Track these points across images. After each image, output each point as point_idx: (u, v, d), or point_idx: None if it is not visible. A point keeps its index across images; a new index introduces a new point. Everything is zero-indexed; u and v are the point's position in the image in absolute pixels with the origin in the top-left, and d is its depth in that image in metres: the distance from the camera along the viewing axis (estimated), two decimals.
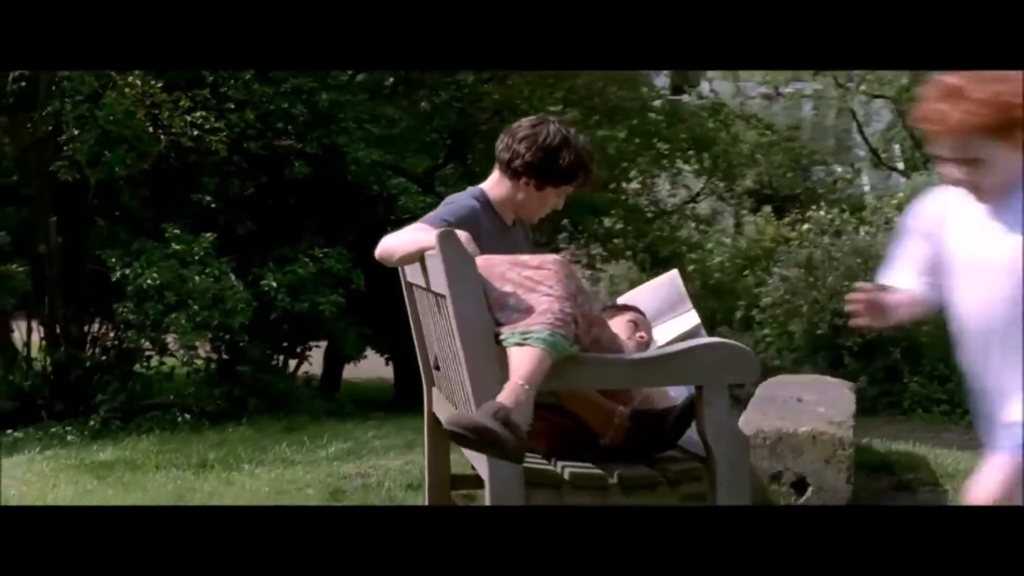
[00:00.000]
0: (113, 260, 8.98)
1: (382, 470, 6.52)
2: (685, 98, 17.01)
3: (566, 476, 3.59)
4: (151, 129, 8.62)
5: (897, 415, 15.40)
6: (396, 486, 6.15)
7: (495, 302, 3.55)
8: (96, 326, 10.34)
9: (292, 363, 11.29)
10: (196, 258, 8.88)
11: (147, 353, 9.97)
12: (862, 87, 18.98)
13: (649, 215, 16.47)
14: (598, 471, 3.62)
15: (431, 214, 4.45)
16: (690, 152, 16.28)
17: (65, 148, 8.53)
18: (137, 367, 9.90)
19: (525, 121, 4.49)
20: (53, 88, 8.53)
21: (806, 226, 17.60)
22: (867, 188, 22.50)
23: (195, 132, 8.60)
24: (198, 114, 8.63)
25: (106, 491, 6.50)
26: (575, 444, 3.84)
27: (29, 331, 10.46)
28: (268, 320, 9.51)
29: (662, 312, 4.84)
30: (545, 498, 3.54)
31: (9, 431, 9.36)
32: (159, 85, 8.63)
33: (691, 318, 4.74)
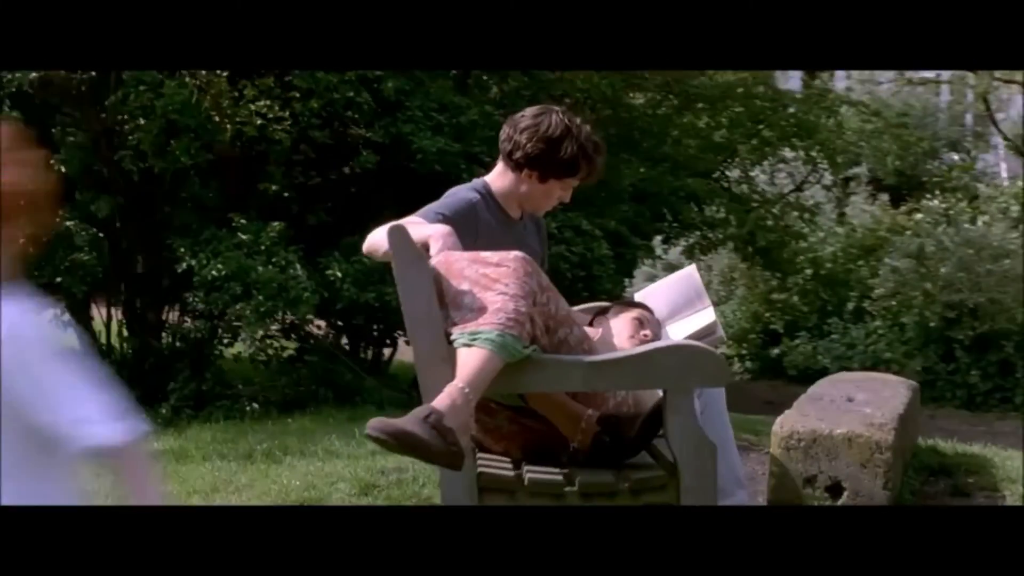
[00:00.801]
0: (182, 250, 9.00)
1: (420, 464, 6.39)
2: (791, 84, 16.65)
3: (525, 482, 3.45)
4: (217, 119, 8.61)
5: (1009, 411, 14.93)
6: (431, 482, 6.03)
7: (451, 300, 3.42)
8: (175, 314, 10.39)
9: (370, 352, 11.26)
10: (263, 248, 8.86)
11: (219, 342, 9.99)
12: (996, 73, 18.43)
13: (753, 204, 16.14)
14: (558, 477, 3.48)
15: (427, 207, 4.35)
16: (794, 139, 15.92)
17: (130, 138, 8.56)
18: (209, 356, 9.93)
19: (528, 111, 4.37)
20: (115, 78, 8.53)
21: (919, 215, 17.15)
22: (1005, 177, 21.93)
23: (259, 121, 8.57)
24: (262, 103, 8.61)
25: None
26: (548, 448, 3.70)
27: (109, 318, 10.57)
28: (335, 310, 9.48)
29: (679, 309, 4.69)
30: (500, 504, 3.41)
31: None
32: (224, 75, 8.62)
33: (707, 315, 4.58)
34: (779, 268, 16.34)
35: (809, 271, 18.12)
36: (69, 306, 10.14)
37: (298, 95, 8.86)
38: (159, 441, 7.96)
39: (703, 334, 4.51)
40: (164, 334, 10.20)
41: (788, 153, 16.66)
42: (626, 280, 23.70)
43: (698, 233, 15.89)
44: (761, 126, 15.42)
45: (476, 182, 4.47)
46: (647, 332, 4.28)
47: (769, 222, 15.88)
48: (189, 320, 10.03)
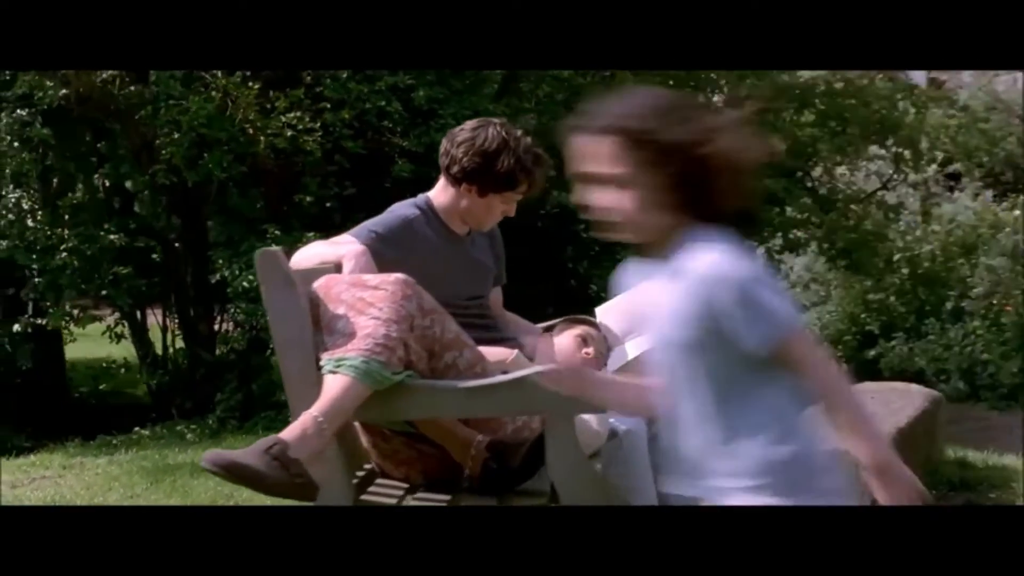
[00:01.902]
0: (220, 261, 9.04)
1: None
2: (878, 79, 16.18)
3: None
4: (250, 131, 8.63)
5: None
6: None
7: (326, 325, 3.33)
8: (228, 325, 10.46)
9: None
10: None
11: (271, 352, 10.02)
12: None
13: (836, 203, 15.73)
14: (437, 505, 3.36)
15: (363, 224, 4.28)
16: (878, 136, 15.46)
17: (163, 152, 8.62)
18: (256, 367, 9.94)
19: (467, 124, 4.29)
20: (143, 91, 8.61)
21: (1016, 212, 16.63)
22: None
23: (290, 133, 8.56)
24: (292, 115, 8.59)
25: (151, 495, 6.51)
26: (447, 474, 3.59)
27: (165, 328, 10.69)
28: None
29: (637, 325, 4.53)
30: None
31: (136, 428, 9.55)
32: (255, 86, 8.64)
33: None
34: (862, 269, 15.91)
35: (906, 270, 17.69)
36: (123, 317, 10.31)
37: (329, 106, 8.83)
38: (187, 452, 8.01)
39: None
40: (215, 345, 10.26)
41: (878, 150, 16.21)
42: None
43: (779, 234, 15.55)
44: (844, 123, 15.02)
45: (418, 198, 4.38)
46: (589, 350, 4.15)
47: (852, 222, 15.46)
48: (231, 330, 10.09)
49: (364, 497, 3.45)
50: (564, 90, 9.92)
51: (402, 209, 4.35)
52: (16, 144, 9.17)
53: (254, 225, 9.31)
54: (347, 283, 3.38)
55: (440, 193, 4.29)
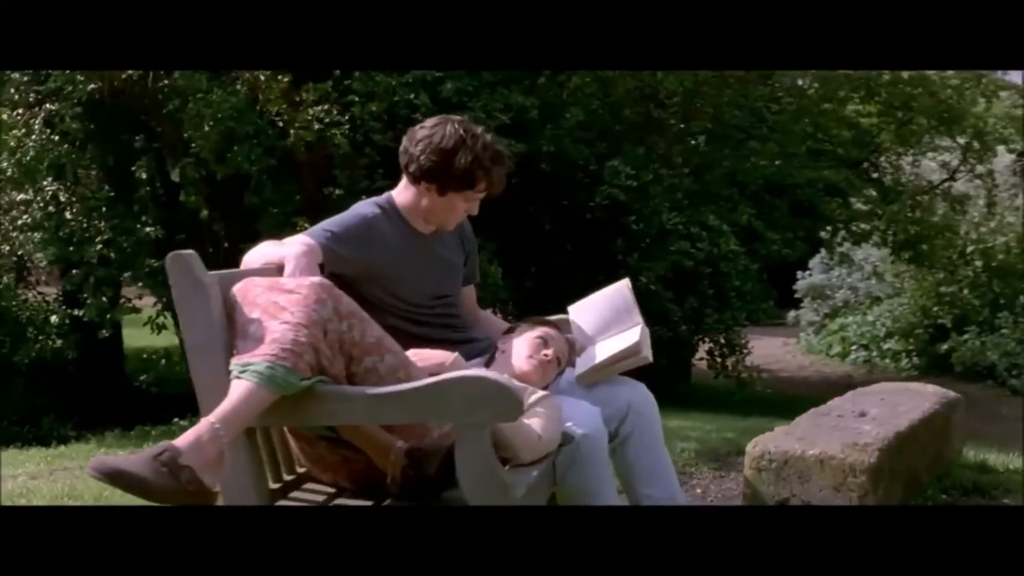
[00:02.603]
0: None
1: None
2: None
3: None
4: (280, 124, 8.64)
5: None
6: None
7: (239, 329, 3.28)
8: None
9: None
10: None
11: None
12: None
13: (901, 194, 15.44)
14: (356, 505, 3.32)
15: (320, 223, 4.25)
16: (942, 128, 15.16)
17: (192, 145, 8.66)
18: None
19: (428, 122, 4.24)
20: (164, 85, 8.66)
21: None
22: None
23: (318, 126, 8.56)
24: (319, 108, 8.59)
25: None
26: (374, 479, 3.52)
27: None
28: None
29: (609, 325, 4.48)
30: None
31: (175, 419, 9.64)
32: (285, 79, 8.64)
33: (632, 335, 4.33)
34: (926, 261, 15.64)
35: (979, 263, 17.37)
36: (164, 308, 10.39)
37: (357, 99, 8.81)
38: None
39: (627, 354, 4.27)
40: None
41: (944, 141, 15.90)
42: (799, 272, 23.23)
43: (841, 226, 15.33)
44: (910, 113, 14.74)
45: (381, 197, 4.34)
46: (548, 352, 4.09)
47: (917, 213, 15.18)
48: None
49: (284, 503, 3.39)
50: (596, 83, 9.80)
51: (362, 208, 4.31)
52: (55, 137, 9.27)
53: (289, 218, 9.32)
54: (264, 287, 3.32)
55: (402, 192, 4.24)
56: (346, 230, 4.14)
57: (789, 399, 13.36)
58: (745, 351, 13.70)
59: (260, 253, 3.96)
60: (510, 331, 4.26)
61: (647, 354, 4.30)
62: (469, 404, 3.11)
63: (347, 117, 8.71)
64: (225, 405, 3.06)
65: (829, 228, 15.48)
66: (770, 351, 22.62)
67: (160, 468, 2.90)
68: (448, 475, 3.33)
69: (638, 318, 4.40)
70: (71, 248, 9.23)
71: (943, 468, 6.01)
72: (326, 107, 8.59)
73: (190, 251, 3.36)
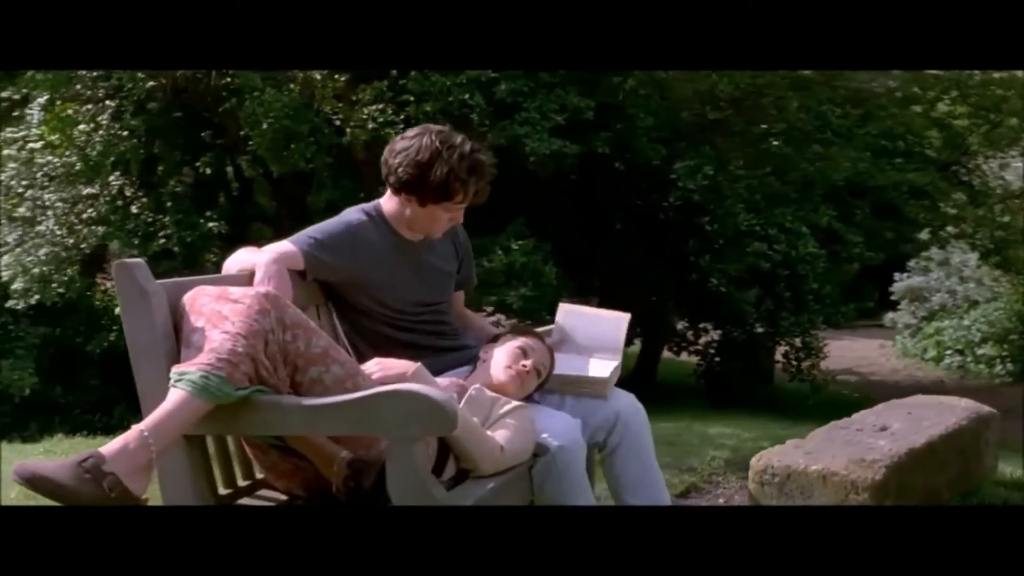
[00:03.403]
0: None
1: None
2: None
3: None
4: (337, 122, 8.71)
5: None
6: None
7: (184, 338, 3.33)
8: None
9: None
10: None
11: None
12: None
13: (988, 198, 15.08)
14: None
15: (305, 230, 4.29)
16: None
17: (249, 144, 8.77)
18: None
19: (409, 132, 4.24)
20: (225, 83, 8.77)
21: None
22: None
23: (372, 125, 8.62)
24: (374, 107, 8.64)
25: None
26: (325, 489, 3.54)
27: None
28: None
29: (591, 345, 4.45)
30: None
31: None
32: (342, 78, 8.71)
33: (605, 369, 4.32)
34: (1011, 267, 15.27)
35: None
36: None
37: (412, 98, 8.86)
38: None
39: (591, 383, 4.27)
40: None
41: None
42: (896, 274, 22.83)
43: (929, 230, 15.03)
44: (1000, 115, 14.39)
45: (369, 204, 4.36)
46: (527, 363, 4.07)
47: (1005, 218, 14.81)
48: None
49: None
50: (652, 84, 9.73)
51: (349, 215, 4.33)
52: (124, 133, 9.45)
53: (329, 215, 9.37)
54: (212, 295, 3.35)
55: (388, 200, 4.26)
56: (330, 237, 4.16)
57: (873, 404, 13.10)
58: (821, 355, 13.51)
59: (237, 259, 4.00)
60: (494, 340, 4.25)
61: (606, 394, 4.26)
62: (402, 418, 3.11)
63: (402, 117, 8.74)
64: (157, 413, 3.10)
65: (928, 231, 15.23)
66: (865, 353, 22.30)
67: (83, 474, 2.94)
68: (384, 488, 3.34)
69: (618, 356, 4.35)
70: (136, 241, 9.40)
71: (971, 485, 5.86)
72: (381, 106, 8.64)
73: (136, 260, 3.41)
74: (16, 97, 9.64)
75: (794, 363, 13.49)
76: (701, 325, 13.52)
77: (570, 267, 10.92)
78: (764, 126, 11.84)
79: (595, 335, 4.46)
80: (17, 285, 9.15)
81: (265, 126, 8.69)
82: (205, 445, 3.44)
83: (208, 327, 3.27)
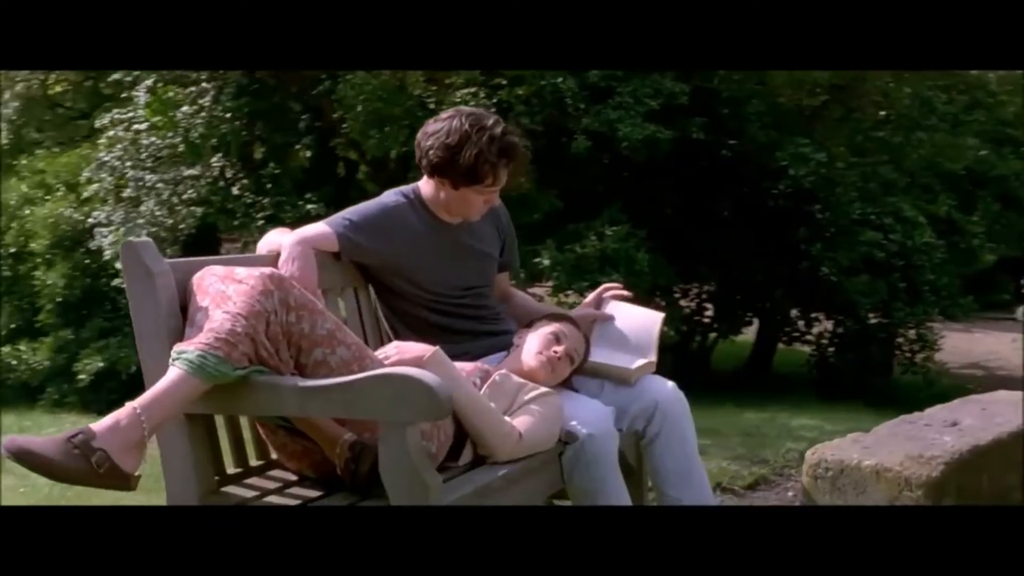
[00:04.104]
0: None
1: None
2: None
3: None
4: (431, 106, 8.73)
5: None
6: None
7: (189, 317, 3.37)
8: None
9: None
10: None
11: None
12: None
13: None
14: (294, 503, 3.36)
15: (342, 212, 4.32)
16: None
17: (343, 126, 8.83)
18: None
19: (442, 115, 4.24)
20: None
21: None
22: None
23: None
24: (466, 91, 8.64)
25: None
26: (332, 471, 3.55)
27: None
28: None
29: (624, 342, 4.41)
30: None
31: None
32: None
33: (632, 360, 4.28)
34: None
35: None
36: None
37: (505, 82, 8.83)
38: None
39: (618, 372, 4.26)
40: None
41: None
42: None
43: None
44: None
45: (407, 187, 4.36)
46: (558, 349, 4.04)
47: None
48: None
49: (229, 489, 3.46)
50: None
51: (387, 197, 4.34)
52: (227, 115, 9.58)
53: None
54: (219, 276, 3.37)
55: (425, 183, 4.26)
56: (365, 219, 4.18)
57: None
58: (936, 347, 13.18)
59: (267, 241, 4.04)
60: (528, 325, 4.21)
61: (631, 381, 4.25)
62: (391, 401, 3.10)
63: (494, 100, 8.72)
64: (152, 391, 3.13)
65: None
66: (996, 348, 21.64)
67: (72, 450, 2.98)
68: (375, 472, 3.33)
69: (650, 351, 4.30)
70: (236, 223, 9.53)
71: None
72: (473, 90, 8.63)
73: (144, 239, 3.45)
74: (128, 79, 9.79)
75: (907, 355, 13.18)
76: (813, 315, 13.29)
77: (672, 254, 10.80)
78: (863, 113, 11.57)
79: (631, 331, 4.43)
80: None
81: (359, 108, 8.73)
82: (207, 425, 3.46)
83: (212, 307, 3.30)
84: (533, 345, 4.07)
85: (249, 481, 3.60)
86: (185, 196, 9.20)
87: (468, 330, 4.33)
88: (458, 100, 8.71)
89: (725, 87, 9.48)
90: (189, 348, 3.17)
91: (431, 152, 4.07)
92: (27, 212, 10.80)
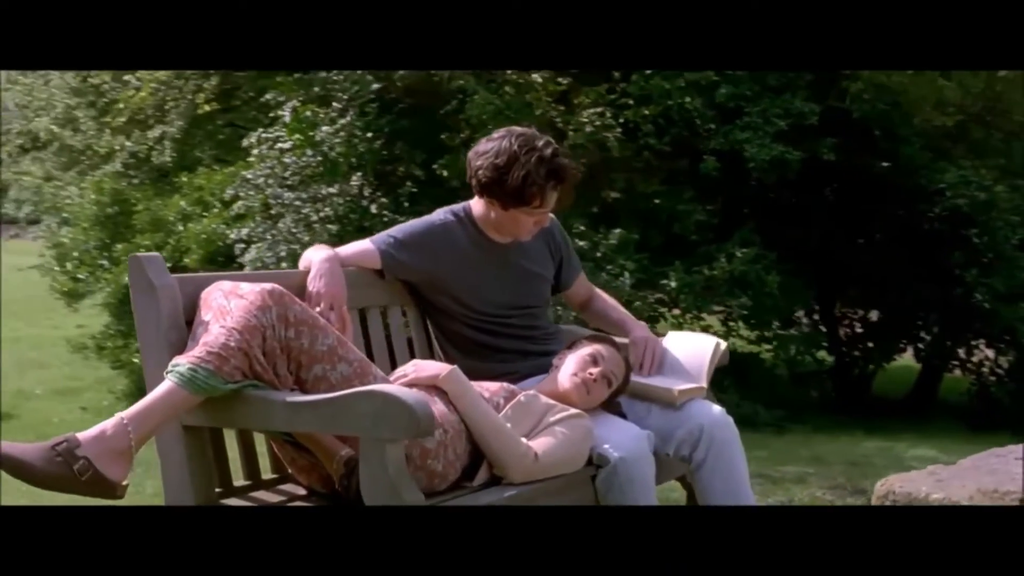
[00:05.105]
0: None
1: None
2: None
3: None
4: (559, 125, 8.72)
5: None
6: None
7: (192, 331, 3.45)
8: None
9: None
10: (599, 255, 8.85)
11: None
12: None
13: None
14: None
15: (388, 230, 4.38)
16: None
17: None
18: None
19: (495, 134, 4.25)
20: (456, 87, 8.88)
21: None
22: None
23: (589, 128, 8.59)
24: (592, 111, 8.61)
25: None
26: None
27: None
28: None
29: (672, 366, 4.36)
30: None
31: None
32: (565, 82, 8.72)
33: (678, 382, 4.23)
34: None
35: None
36: None
37: (631, 101, 8.77)
38: None
39: (660, 394, 4.21)
40: None
41: None
42: None
43: None
44: None
45: (459, 205, 4.39)
46: (593, 371, 4.00)
47: None
48: None
49: (229, 501, 3.51)
50: (873, 89, 9.27)
51: (435, 215, 4.38)
52: (369, 134, 9.71)
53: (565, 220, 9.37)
54: (224, 291, 3.43)
55: (476, 202, 4.27)
56: (410, 236, 4.22)
57: None
58: None
59: (304, 256, 4.09)
60: (571, 346, 4.18)
61: (675, 403, 4.18)
62: (372, 418, 3.12)
63: (620, 120, 8.67)
64: (142, 402, 3.20)
65: None
66: None
67: (55, 457, 3.06)
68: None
69: (702, 380, 4.26)
70: None
71: None
72: (599, 110, 8.59)
73: (151, 254, 3.54)
74: (282, 99, 10.03)
75: None
76: (973, 343, 12.83)
77: (810, 277, 10.59)
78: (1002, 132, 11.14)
79: (684, 353, 4.37)
80: None
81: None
82: (213, 437, 3.52)
83: (212, 321, 3.36)
84: (570, 366, 4.04)
85: (254, 494, 3.65)
86: (322, 214, 9.35)
87: (516, 349, 4.32)
88: (584, 120, 8.67)
89: (857, 107, 9.22)
90: (182, 361, 3.23)
91: (480, 172, 4.08)
92: (182, 228, 11.12)
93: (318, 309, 3.75)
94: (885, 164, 10.65)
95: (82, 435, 3.12)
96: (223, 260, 10.88)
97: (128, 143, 12.90)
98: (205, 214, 11.10)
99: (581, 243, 8.91)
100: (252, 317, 3.30)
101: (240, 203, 10.02)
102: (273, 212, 9.94)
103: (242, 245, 9.48)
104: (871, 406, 12.69)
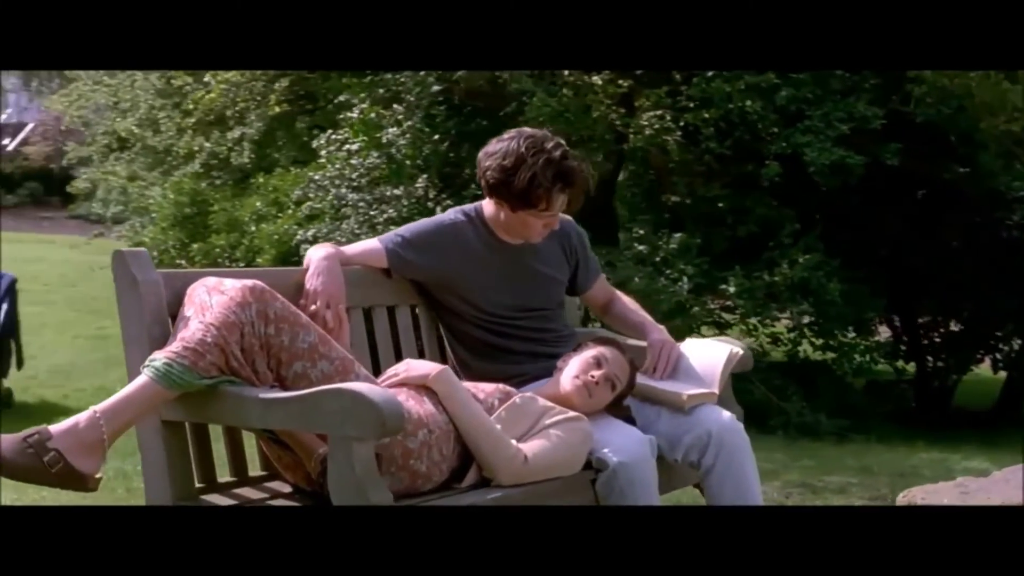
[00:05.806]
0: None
1: None
2: None
3: None
4: (619, 128, 8.67)
5: None
6: None
7: (174, 326, 3.45)
8: None
9: None
10: (659, 258, 8.77)
11: None
12: None
13: None
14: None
15: (397, 229, 4.38)
16: None
17: None
18: None
19: (505, 135, 4.23)
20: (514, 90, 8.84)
21: None
22: None
23: (649, 131, 8.52)
24: (652, 114, 8.53)
25: None
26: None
27: None
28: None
29: (685, 371, 4.31)
30: None
31: None
32: (626, 84, 8.66)
33: (686, 387, 4.17)
34: None
35: None
36: None
37: (692, 104, 8.68)
38: None
39: (667, 397, 4.15)
40: None
41: None
42: None
43: None
44: None
45: (470, 205, 4.38)
46: (596, 373, 3.96)
47: None
48: None
49: (210, 497, 3.52)
50: (937, 92, 9.04)
51: (446, 215, 4.38)
52: (436, 137, 9.73)
53: (631, 224, 9.35)
54: (208, 287, 3.44)
55: (487, 202, 4.25)
56: (417, 235, 4.21)
57: None
58: None
59: (307, 255, 4.10)
60: (576, 348, 4.14)
61: (684, 408, 4.11)
62: (339, 416, 3.11)
63: (680, 124, 8.58)
64: (115, 396, 3.22)
65: None
66: None
67: (26, 448, 3.09)
68: None
69: (714, 386, 4.20)
70: None
71: None
72: (659, 113, 8.52)
73: (137, 249, 3.57)
74: (355, 101, 10.09)
75: None
76: None
77: (880, 285, 10.38)
78: None
79: (698, 358, 4.32)
80: None
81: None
82: (197, 433, 3.54)
83: (192, 316, 3.37)
84: (572, 369, 4.00)
85: (238, 491, 3.65)
86: (386, 215, 9.38)
87: (526, 351, 4.28)
88: (644, 123, 8.60)
89: (921, 111, 9.01)
90: (159, 356, 3.25)
91: (488, 172, 4.05)
92: (254, 229, 11.23)
93: (314, 307, 3.75)
94: (963, 170, 10.41)
95: (54, 428, 3.15)
96: (296, 261, 10.96)
97: (207, 144, 13.06)
98: (279, 215, 11.18)
99: (641, 247, 8.85)
100: (231, 313, 3.31)
101: (307, 204, 10.09)
102: (342, 213, 9.99)
103: (307, 246, 9.52)
104: (951, 418, 12.41)
